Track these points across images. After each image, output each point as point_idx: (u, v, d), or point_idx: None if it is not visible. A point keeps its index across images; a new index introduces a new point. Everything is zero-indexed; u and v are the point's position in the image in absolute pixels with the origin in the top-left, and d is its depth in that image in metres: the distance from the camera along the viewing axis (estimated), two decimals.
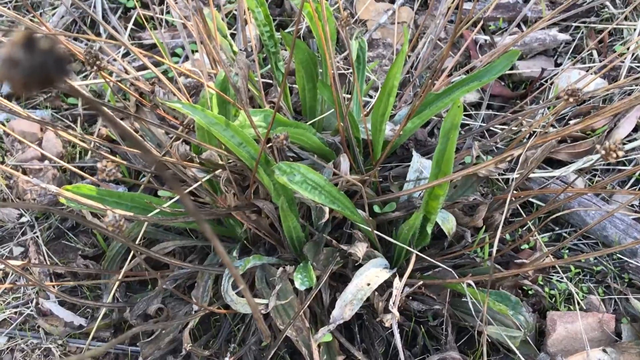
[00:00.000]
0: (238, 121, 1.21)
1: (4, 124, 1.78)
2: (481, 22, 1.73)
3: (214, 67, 1.53)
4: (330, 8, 1.37)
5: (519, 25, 1.81)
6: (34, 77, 0.29)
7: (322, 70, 1.46)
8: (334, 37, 1.41)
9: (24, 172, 1.71)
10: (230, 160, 1.33)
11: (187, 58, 1.86)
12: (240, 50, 1.48)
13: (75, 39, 1.91)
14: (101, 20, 1.92)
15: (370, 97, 1.71)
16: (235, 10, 1.87)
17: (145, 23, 1.92)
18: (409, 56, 1.76)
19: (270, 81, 1.71)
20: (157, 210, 1.42)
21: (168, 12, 1.92)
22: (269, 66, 1.68)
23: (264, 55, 1.81)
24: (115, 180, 1.64)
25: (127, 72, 1.63)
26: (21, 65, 0.29)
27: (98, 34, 1.94)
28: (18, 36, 0.28)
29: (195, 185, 1.39)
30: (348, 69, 1.71)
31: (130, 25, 2.00)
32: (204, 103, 1.28)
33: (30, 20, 1.96)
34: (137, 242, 1.53)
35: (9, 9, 1.98)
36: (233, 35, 1.92)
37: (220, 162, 1.33)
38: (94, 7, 1.95)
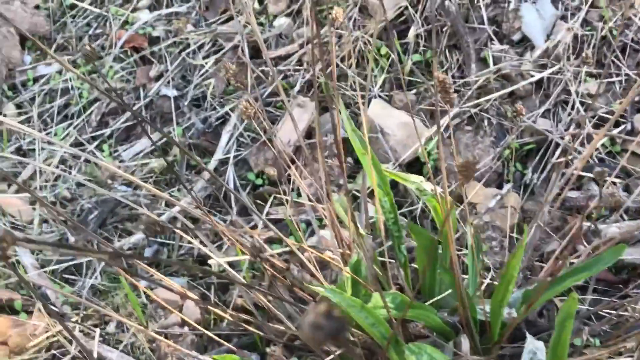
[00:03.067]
0: (371, 303, 1.37)
1: (148, 291, 1.99)
2: (587, 212, 1.87)
3: (341, 246, 1.71)
4: (451, 199, 1.55)
5: (622, 215, 1.96)
6: (328, 337, 0.44)
7: (442, 254, 1.62)
8: (455, 227, 1.58)
9: (166, 337, 1.90)
10: (361, 338, 1.48)
11: (312, 233, 2.05)
12: (367, 233, 1.66)
13: (210, 211, 2.13)
14: (234, 191, 2.15)
15: (482, 276, 1.86)
16: (356, 191, 2.06)
17: (273, 199, 2.14)
18: (517, 239, 1.91)
19: (391, 260, 1.88)
20: None
21: (294, 190, 2.13)
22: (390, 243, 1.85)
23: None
24: (249, 346, 1.81)
25: (262, 250, 1.83)
26: (323, 330, 0.44)
27: (230, 207, 2.16)
28: (322, 307, 0.44)
29: (328, 359, 1.53)
30: (460, 249, 1.86)
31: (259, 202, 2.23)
32: (342, 286, 1.45)
33: (170, 195, 2.19)
34: None
35: (150, 183, 2.23)
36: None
37: (352, 338, 1.48)
38: (227, 182, 2.18)
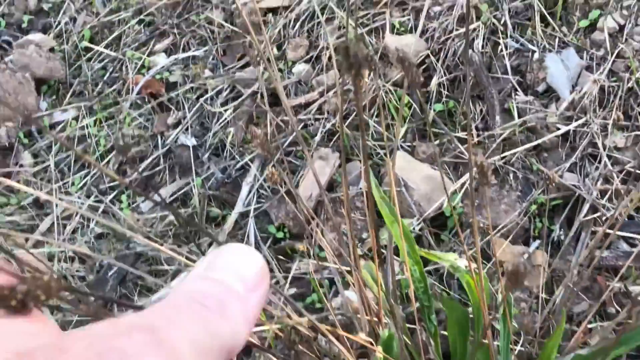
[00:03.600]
0: None
1: None
2: (620, 272, 1.84)
3: (368, 314, 1.68)
4: (487, 277, 1.52)
5: None
6: None
7: (475, 326, 1.59)
8: (488, 301, 1.54)
9: None
10: None
11: (337, 293, 2.02)
12: (396, 304, 1.63)
13: None
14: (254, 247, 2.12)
15: (513, 342, 1.83)
16: (383, 248, 2.03)
17: (294, 253, 2.11)
18: (547, 300, 1.88)
19: (415, 326, 1.85)
20: None
21: (316, 244, 2.10)
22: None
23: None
24: None
25: (289, 315, 1.79)
26: None
27: None
28: None
29: None
30: (489, 312, 1.83)
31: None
32: None
33: (189, 250, 2.16)
34: None
35: (169, 237, 2.20)
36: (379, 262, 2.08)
37: None
38: (248, 236, 2.15)
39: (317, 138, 2.21)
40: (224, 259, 0.38)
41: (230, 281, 0.37)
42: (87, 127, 2.43)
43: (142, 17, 2.66)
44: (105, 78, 2.56)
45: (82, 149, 2.42)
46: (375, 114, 2.20)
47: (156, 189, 2.30)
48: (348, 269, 1.78)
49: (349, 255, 1.65)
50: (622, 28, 2.09)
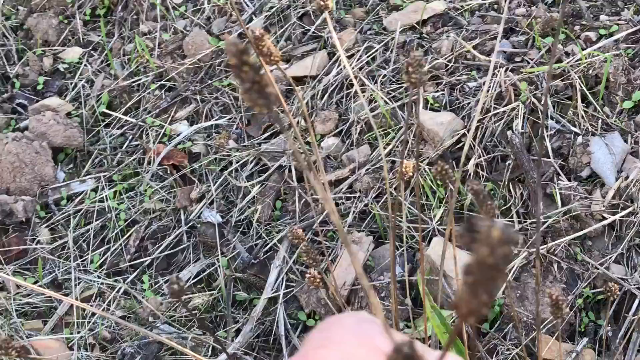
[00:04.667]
0: None
1: None
2: None
3: None
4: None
5: None
6: None
7: None
8: None
9: None
10: None
11: None
12: None
13: (257, 357, 2.01)
14: (283, 339, 2.03)
15: None
16: (421, 340, 1.94)
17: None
18: None
19: None
20: None
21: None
22: None
23: None
24: None
25: None
26: None
27: (279, 350, 2.04)
28: None
29: None
30: None
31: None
32: None
33: (217, 337, 2.07)
34: None
35: (193, 323, 2.10)
36: None
37: None
38: (277, 324, 2.05)
39: (349, 219, 2.13)
40: None
41: None
42: (107, 200, 2.34)
43: (162, 82, 2.58)
44: (124, 147, 2.48)
45: (102, 223, 2.33)
46: (410, 194, 2.12)
47: (179, 269, 2.21)
48: None
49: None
50: None
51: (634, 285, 1.86)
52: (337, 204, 2.18)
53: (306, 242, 1.50)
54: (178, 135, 2.42)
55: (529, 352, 1.90)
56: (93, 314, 2.11)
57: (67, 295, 2.15)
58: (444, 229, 2.08)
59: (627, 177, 1.95)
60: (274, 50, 1.17)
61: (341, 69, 2.35)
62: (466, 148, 1.41)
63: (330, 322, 0.44)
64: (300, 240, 1.51)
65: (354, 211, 2.14)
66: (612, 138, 2.01)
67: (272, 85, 0.36)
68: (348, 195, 2.18)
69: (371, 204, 2.14)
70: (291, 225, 2.12)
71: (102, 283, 2.17)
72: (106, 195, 2.35)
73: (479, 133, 2.12)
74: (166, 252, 2.24)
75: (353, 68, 2.34)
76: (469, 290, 0.31)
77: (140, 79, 2.59)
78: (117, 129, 2.53)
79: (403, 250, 2.05)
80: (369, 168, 2.17)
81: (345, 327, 0.42)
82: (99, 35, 2.80)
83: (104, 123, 2.55)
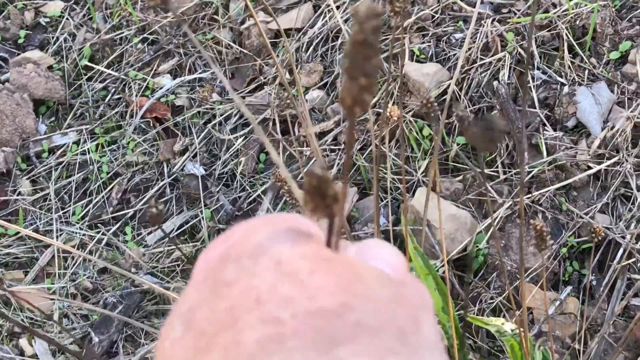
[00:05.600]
0: None
1: None
2: None
3: None
4: (532, 339, 1.43)
5: None
6: None
7: None
8: None
9: None
10: None
11: None
12: None
13: None
14: None
15: None
16: None
17: None
18: (580, 351, 1.79)
19: None
20: None
21: None
22: None
23: None
24: None
25: None
26: None
27: None
28: None
29: None
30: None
31: None
32: None
33: None
34: None
35: (176, 273, 2.09)
36: None
37: None
38: None
39: (334, 171, 2.11)
40: (373, 250, 0.36)
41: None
42: (89, 152, 2.31)
43: (145, 35, 2.54)
44: (107, 100, 2.44)
45: (84, 176, 2.30)
46: (395, 145, 2.10)
47: (162, 221, 2.18)
48: None
49: None
50: None
51: (619, 234, 1.86)
52: (322, 156, 2.16)
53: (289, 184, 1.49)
54: (161, 88, 2.39)
55: (513, 301, 1.89)
56: (75, 264, 2.09)
57: (48, 247, 2.13)
58: (429, 180, 2.07)
59: (612, 127, 1.94)
60: None
61: (326, 21, 2.32)
62: (449, 97, 1.39)
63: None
64: (284, 183, 1.49)
65: (338, 163, 2.13)
66: (599, 88, 1.99)
67: (372, 93, 0.32)
68: (332, 147, 2.16)
69: (355, 155, 2.12)
70: (274, 169, 2.11)
71: (84, 235, 2.15)
72: (88, 148, 2.32)
73: (465, 84, 2.10)
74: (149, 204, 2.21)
75: (338, 21, 2.31)
76: (348, 75, 0.30)
77: (122, 33, 2.56)
78: (100, 82, 2.49)
79: (387, 202, 2.03)
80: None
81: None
82: None
83: (86, 76, 2.51)
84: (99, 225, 2.20)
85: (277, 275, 0.30)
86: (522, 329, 1.34)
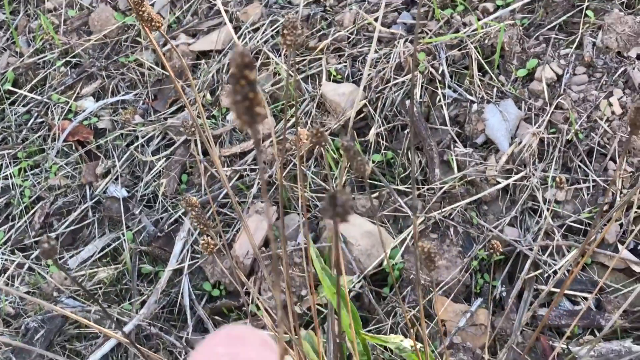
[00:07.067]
0: None
1: None
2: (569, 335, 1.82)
3: None
4: (432, 355, 1.47)
5: (593, 333, 1.91)
6: None
7: None
8: None
9: None
10: None
11: None
12: None
13: (166, 332, 2.01)
14: (189, 308, 2.04)
15: None
16: (323, 306, 1.97)
17: (230, 313, 2.03)
18: None
19: None
20: None
21: (253, 303, 2.03)
22: None
23: None
24: None
25: None
26: None
27: (185, 320, 2.05)
28: None
29: None
30: None
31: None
32: None
33: (122, 309, 2.07)
34: None
35: (98, 296, 2.10)
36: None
37: None
38: (182, 295, 2.06)
39: (254, 190, 2.14)
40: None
41: None
42: (11, 177, 2.31)
43: (68, 58, 2.55)
44: (29, 124, 2.44)
45: (6, 200, 2.30)
46: (313, 164, 2.15)
47: (85, 244, 2.19)
48: (287, 337, 1.72)
49: (288, 323, 1.58)
50: (559, 78, 2.09)
51: (526, 246, 1.93)
52: (242, 176, 2.20)
53: (198, 208, 1.52)
54: (84, 111, 2.40)
55: (427, 314, 1.94)
56: None
57: None
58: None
59: (520, 143, 2.02)
60: (154, 16, 1.18)
61: (246, 42, 2.36)
62: (356, 107, 1.43)
63: None
64: (194, 208, 1.52)
65: (258, 182, 2.16)
66: (506, 105, 2.06)
67: (263, 107, 0.36)
68: (253, 166, 2.20)
69: (275, 174, 2.16)
70: (184, 194, 2.13)
71: (6, 260, 2.15)
72: (10, 173, 2.32)
73: (379, 103, 2.16)
74: (71, 228, 2.22)
75: (258, 42, 2.35)
76: (234, 100, 0.35)
77: (45, 56, 2.56)
78: (23, 106, 2.50)
79: (305, 220, 2.07)
80: (273, 140, 2.18)
81: None
82: (3, 14, 2.75)
83: (9, 101, 2.51)
84: (21, 250, 2.20)
85: None
86: (421, 346, 1.39)
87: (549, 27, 2.18)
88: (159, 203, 2.20)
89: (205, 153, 2.25)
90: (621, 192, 1.94)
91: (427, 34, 2.22)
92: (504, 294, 1.92)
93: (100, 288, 2.08)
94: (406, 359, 1.45)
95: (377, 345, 1.93)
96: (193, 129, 1.57)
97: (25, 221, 2.24)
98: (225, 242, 2.01)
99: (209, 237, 1.58)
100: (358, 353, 1.55)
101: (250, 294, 2.03)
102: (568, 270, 1.91)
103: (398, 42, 2.19)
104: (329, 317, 1.71)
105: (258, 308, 2.01)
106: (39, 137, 2.40)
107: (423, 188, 2.03)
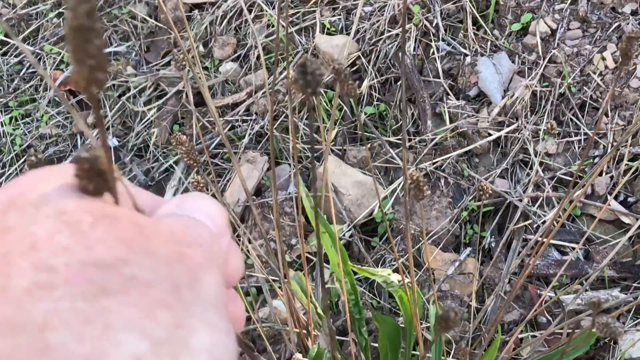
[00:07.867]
0: None
1: None
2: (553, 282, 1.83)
3: (297, 326, 1.62)
4: (420, 292, 1.48)
5: (582, 283, 1.91)
6: None
7: (407, 338, 1.55)
8: (421, 313, 1.51)
9: None
10: None
11: (264, 303, 1.95)
12: (326, 316, 1.58)
13: None
14: None
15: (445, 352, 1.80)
16: (313, 254, 1.98)
17: None
18: (478, 309, 1.85)
19: (345, 337, 1.80)
20: None
21: (243, 251, 2.03)
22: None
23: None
24: None
25: None
26: None
27: None
28: None
29: None
30: (420, 323, 1.79)
31: None
32: None
33: None
34: None
35: None
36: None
37: None
38: None
39: (245, 140, 2.14)
40: (193, 202, 0.37)
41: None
42: (2, 125, 2.30)
43: (61, 9, 2.53)
44: (21, 73, 2.43)
45: None
46: (305, 116, 2.14)
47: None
48: (276, 278, 1.72)
49: (277, 264, 1.58)
50: (554, 32, 2.08)
51: (517, 197, 1.93)
52: (234, 127, 2.19)
53: (188, 144, 1.51)
54: None
55: (416, 263, 1.95)
56: None
57: None
58: (339, 149, 2.11)
59: (512, 95, 2.01)
60: None
61: None
62: (345, 52, 1.43)
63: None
64: (183, 145, 1.51)
65: (250, 133, 2.16)
66: (500, 58, 2.06)
67: (105, 71, 0.29)
68: (245, 117, 2.19)
69: (267, 126, 2.15)
70: (175, 132, 2.13)
71: None
72: (2, 121, 2.31)
73: (373, 55, 2.15)
74: None
75: None
76: (74, 60, 0.29)
77: (38, 7, 2.54)
78: (15, 57, 2.48)
79: (297, 170, 2.07)
80: (266, 91, 2.18)
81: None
82: None
83: (1, 51, 2.49)
84: None
85: (58, 224, 0.30)
86: (409, 280, 1.40)
87: None
88: (150, 153, 2.20)
89: (197, 104, 2.24)
90: (612, 145, 1.94)
91: None
92: (493, 244, 1.93)
93: None
94: (393, 293, 1.45)
95: (366, 292, 1.94)
96: (184, 63, 1.56)
97: (16, 169, 2.23)
98: (217, 189, 2.01)
99: (198, 176, 1.58)
100: (346, 292, 1.56)
101: (241, 239, 2.03)
102: (557, 222, 1.92)
103: None
104: (319, 263, 1.71)
105: (248, 257, 2.01)
106: (30, 86, 2.39)
107: (415, 140, 2.03)
